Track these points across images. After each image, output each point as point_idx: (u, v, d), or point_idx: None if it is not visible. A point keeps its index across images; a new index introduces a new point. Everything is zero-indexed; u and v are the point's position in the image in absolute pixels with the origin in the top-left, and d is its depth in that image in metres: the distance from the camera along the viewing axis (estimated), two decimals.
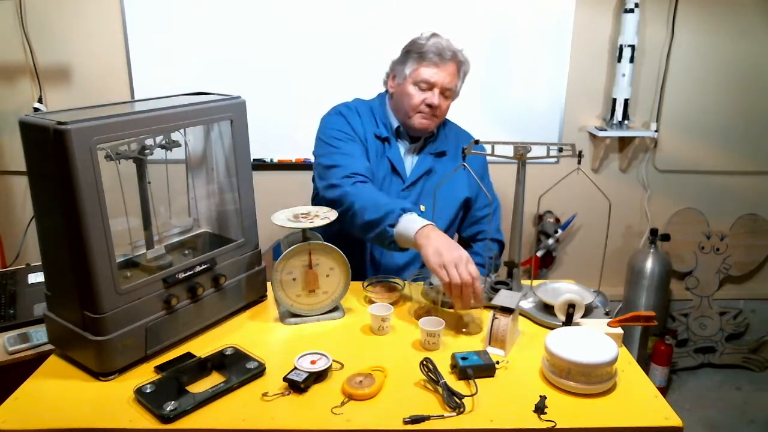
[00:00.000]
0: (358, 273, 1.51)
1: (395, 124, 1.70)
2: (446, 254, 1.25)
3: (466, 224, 1.82)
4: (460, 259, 1.24)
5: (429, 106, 1.61)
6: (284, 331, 1.30)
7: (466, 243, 1.85)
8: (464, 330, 1.29)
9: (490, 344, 1.20)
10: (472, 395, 1.04)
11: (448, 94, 1.64)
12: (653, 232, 2.60)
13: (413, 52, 1.63)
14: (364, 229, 1.43)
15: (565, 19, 2.44)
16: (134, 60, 2.37)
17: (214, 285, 1.28)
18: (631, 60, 2.42)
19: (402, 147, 1.72)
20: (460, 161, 1.38)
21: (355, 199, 1.46)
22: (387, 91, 1.75)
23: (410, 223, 1.34)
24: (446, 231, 1.75)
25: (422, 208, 1.70)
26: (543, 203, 2.61)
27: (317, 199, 1.64)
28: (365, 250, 1.68)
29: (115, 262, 1.08)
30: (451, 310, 1.32)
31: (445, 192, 1.65)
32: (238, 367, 1.11)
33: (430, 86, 1.61)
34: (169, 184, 1.34)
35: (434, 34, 1.64)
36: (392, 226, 1.36)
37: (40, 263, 1.19)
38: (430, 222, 1.34)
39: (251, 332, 1.29)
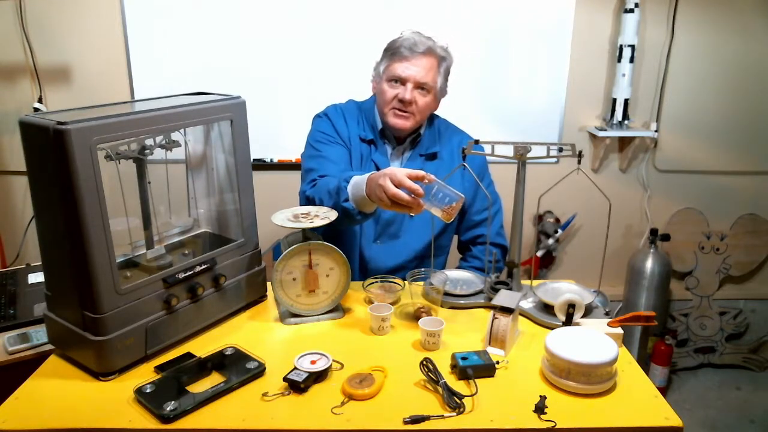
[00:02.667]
0: None
1: (380, 125, 1.68)
2: (374, 187, 1.26)
3: (463, 228, 1.79)
4: (382, 184, 1.23)
5: (402, 101, 1.59)
6: (284, 331, 1.30)
7: (465, 246, 1.83)
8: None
9: (490, 344, 1.20)
10: (472, 395, 1.04)
11: (426, 88, 1.60)
12: (653, 232, 2.60)
13: (388, 49, 1.63)
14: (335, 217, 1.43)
15: (565, 19, 2.44)
16: (134, 60, 2.37)
17: (214, 285, 1.28)
18: (631, 60, 2.42)
19: (389, 149, 1.70)
20: (455, 164, 1.37)
21: (314, 195, 1.48)
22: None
23: (357, 188, 1.35)
24: (441, 236, 1.73)
25: (411, 213, 1.68)
26: (543, 203, 2.61)
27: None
28: (354, 254, 1.67)
29: (115, 262, 1.08)
30: (451, 309, 1.32)
31: None
32: (238, 367, 1.11)
33: (403, 81, 1.59)
34: (169, 184, 1.34)
35: (413, 32, 1.62)
36: (347, 200, 1.38)
37: (40, 263, 1.19)
38: (370, 172, 1.34)
39: (251, 332, 1.29)
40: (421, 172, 1.23)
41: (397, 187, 1.22)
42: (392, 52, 1.61)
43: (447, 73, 1.66)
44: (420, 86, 1.59)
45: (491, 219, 1.75)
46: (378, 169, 1.64)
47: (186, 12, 2.33)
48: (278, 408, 1.02)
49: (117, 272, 1.08)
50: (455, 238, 1.84)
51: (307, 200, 1.54)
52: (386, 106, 1.62)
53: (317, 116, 1.74)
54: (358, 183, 1.36)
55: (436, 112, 1.75)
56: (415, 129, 1.68)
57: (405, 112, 1.60)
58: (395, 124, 1.62)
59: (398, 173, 1.23)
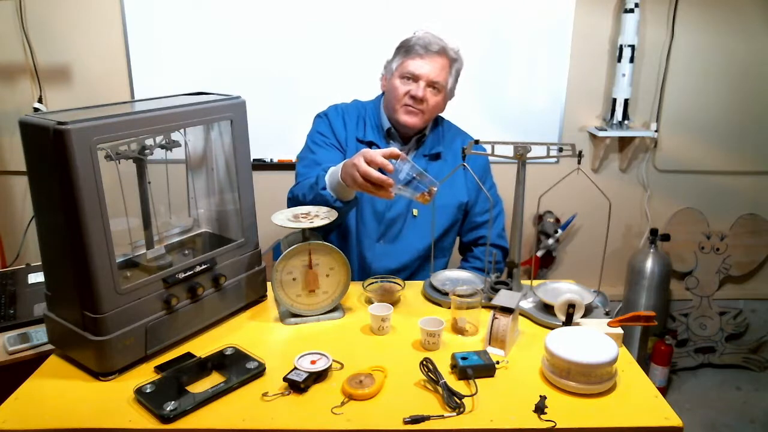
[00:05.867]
0: None
1: (387, 125, 1.69)
2: (348, 168, 1.32)
3: (465, 229, 1.79)
4: (356, 163, 1.29)
5: (413, 98, 1.60)
6: (284, 331, 1.30)
7: (466, 247, 1.83)
8: (461, 335, 1.28)
9: (490, 344, 1.20)
10: (472, 395, 1.04)
11: (437, 87, 1.61)
12: (653, 232, 2.60)
13: (402, 47, 1.65)
14: None
15: (565, 19, 2.44)
16: (134, 60, 2.37)
17: (214, 285, 1.28)
18: (631, 60, 2.42)
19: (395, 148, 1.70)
20: (457, 164, 1.38)
21: (297, 192, 1.52)
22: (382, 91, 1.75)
23: (333, 175, 1.41)
24: (443, 238, 1.73)
25: (414, 212, 1.68)
26: (543, 203, 2.61)
27: None
28: (354, 255, 1.67)
29: (115, 262, 1.08)
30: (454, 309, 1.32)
31: (438, 197, 1.63)
32: (238, 367, 1.11)
33: (416, 78, 1.60)
34: (169, 184, 1.34)
35: (426, 32, 1.64)
36: (324, 188, 1.42)
37: (40, 263, 1.19)
38: (345, 160, 1.40)
39: (251, 332, 1.29)
40: (396, 150, 1.29)
41: (369, 164, 1.27)
42: (406, 49, 1.63)
43: (457, 75, 1.68)
44: (432, 85, 1.61)
45: (493, 221, 1.75)
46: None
47: (186, 12, 2.33)
48: (278, 408, 1.02)
49: (117, 272, 1.08)
50: (456, 240, 1.83)
51: (291, 200, 1.57)
52: (397, 102, 1.63)
53: (318, 116, 1.75)
54: (334, 170, 1.40)
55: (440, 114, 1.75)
56: (421, 129, 1.69)
57: (415, 109, 1.62)
58: (405, 121, 1.63)
59: (371, 152, 1.29)
